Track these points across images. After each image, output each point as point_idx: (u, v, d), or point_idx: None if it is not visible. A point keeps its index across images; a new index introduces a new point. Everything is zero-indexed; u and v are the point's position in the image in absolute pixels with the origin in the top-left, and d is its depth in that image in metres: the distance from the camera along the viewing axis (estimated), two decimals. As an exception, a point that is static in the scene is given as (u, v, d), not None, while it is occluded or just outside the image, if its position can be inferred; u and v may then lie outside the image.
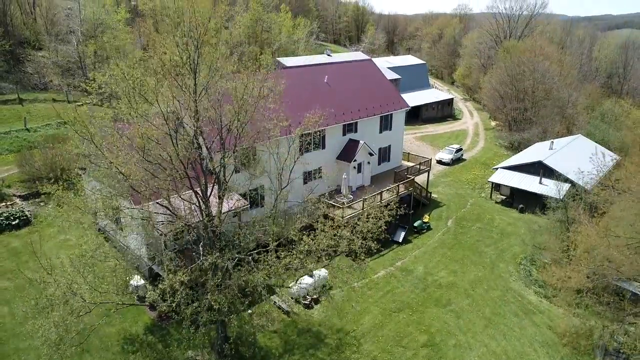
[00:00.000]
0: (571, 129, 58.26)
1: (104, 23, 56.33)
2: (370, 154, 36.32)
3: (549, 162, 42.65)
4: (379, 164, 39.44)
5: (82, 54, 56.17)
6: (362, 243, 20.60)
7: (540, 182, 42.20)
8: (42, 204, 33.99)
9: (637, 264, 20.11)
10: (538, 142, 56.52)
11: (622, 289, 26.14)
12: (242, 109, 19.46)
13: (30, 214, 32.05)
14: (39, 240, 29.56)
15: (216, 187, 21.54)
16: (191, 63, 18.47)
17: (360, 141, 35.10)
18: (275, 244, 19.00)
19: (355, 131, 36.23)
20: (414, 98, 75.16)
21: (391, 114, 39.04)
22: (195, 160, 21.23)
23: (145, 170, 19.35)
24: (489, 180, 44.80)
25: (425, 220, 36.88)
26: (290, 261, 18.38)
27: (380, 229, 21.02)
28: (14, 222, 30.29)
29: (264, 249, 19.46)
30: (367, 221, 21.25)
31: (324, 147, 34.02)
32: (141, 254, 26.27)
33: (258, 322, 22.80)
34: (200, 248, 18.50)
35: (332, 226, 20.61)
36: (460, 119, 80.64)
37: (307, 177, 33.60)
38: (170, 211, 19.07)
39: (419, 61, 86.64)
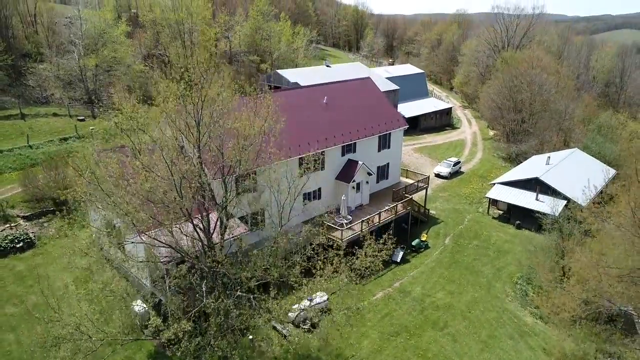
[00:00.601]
0: (568, 142, 58.84)
1: (104, 37, 56.81)
2: (369, 174, 36.86)
3: (545, 179, 43.20)
4: (377, 181, 39.96)
5: (83, 67, 56.63)
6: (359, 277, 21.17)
7: (537, 199, 42.77)
8: (45, 224, 34.50)
9: (629, 296, 20.65)
10: (535, 154, 57.07)
11: (615, 314, 26.70)
12: (243, 148, 19.99)
13: (34, 236, 32.55)
14: (44, 264, 30.12)
15: (216, 215, 22.13)
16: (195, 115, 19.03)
17: (359, 162, 35.62)
18: (275, 291, 19.52)
19: (354, 151, 36.75)
20: (413, 108, 75.80)
21: (390, 133, 39.56)
22: (197, 189, 21.82)
23: (148, 207, 19.91)
24: (487, 196, 45.35)
25: (423, 239, 37.43)
26: (289, 307, 18.96)
27: (377, 267, 21.62)
28: (18, 245, 30.80)
29: (264, 285, 20.01)
30: (364, 259, 21.84)
31: (323, 168, 34.54)
32: (144, 282, 26.79)
33: (259, 348, 23.33)
34: (204, 287, 19.03)
35: (332, 263, 21.13)
36: (458, 127, 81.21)
37: (307, 197, 34.09)
38: (174, 248, 19.58)
39: (418, 70, 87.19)
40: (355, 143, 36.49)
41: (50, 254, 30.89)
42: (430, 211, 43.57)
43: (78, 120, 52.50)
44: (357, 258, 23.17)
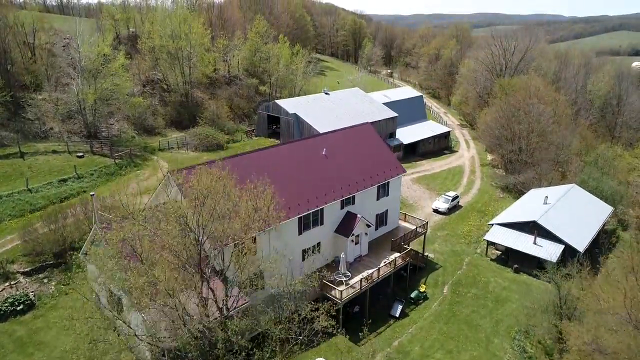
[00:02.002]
0: (565, 174, 59.11)
1: (103, 70, 56.85)
2: (368, 226, 37.03)
3: (543, 222, 43.46)
4: (376, 229, 40.13)
5: (82, 101, 56.69)
6: None
7: (535, 242, 43.05)
8: (45, 280, 34.57)
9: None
10: (533, 188, 57.37)
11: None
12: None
13: (34, 295, 32.63)
14: (44, 327, 30.20)
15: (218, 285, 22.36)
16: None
17: (358, 216, 35.81)
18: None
19: (353, 203, 36.94)
20: (411, 133, 76.09)
21: (388, 181, 39.76)
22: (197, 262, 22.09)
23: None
24: (485, 238, 45.56)
25: (422, 289, 37.64)
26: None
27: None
28: (18, 308, 30.88)
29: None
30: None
31: (322, 223, 34.71)
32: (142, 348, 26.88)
33: None
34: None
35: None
36: (456, 151, 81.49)
37: (306, 253, 34.27)
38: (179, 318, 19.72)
39: (416, 93, 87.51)
40: (354, 195, 36.68)
41: (50, 317, 30.94)
42: (429, 255, 43.80)
43: (77, 157, 52.56)
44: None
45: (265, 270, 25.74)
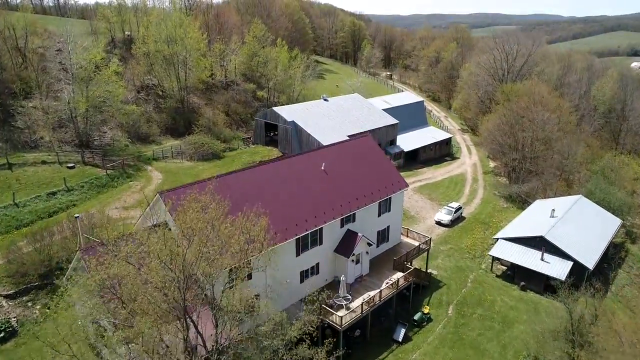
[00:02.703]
0: (571, 184, 57.53)
1: (95, 78, 55.04)
2: (369, 244, 35.35)
3: (551, 238, 41.84)
4: (377, 246, 38.45)
5: (73, 109, 54.93)
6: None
7: (542, 259, 41.43)
8: (30, 303, 32.84)
9: None
10: (538, 198, 55.77)
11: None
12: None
13: (17, 321, 30.90)
14: (26, 357, 28.47)
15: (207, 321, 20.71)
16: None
17: (359, 234, 34.13)
18: None
19: (354, 221, 35.27)
20: (412, 140, 74.47)
21: (390, 197, 38.08)
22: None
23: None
24: (490, 253, 43.92)
25: (425, 311, 35.97)
26: None
27: None
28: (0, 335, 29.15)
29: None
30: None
31: (321, 243, 33.03)
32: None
33: None
34: None
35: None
36: (458, 157, 79.86)
37: (304, 275, 32.58)
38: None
39: (416, 99, 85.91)
40: (354, 212, 35.00)
41: (34, 346, 29.19)
42: (432, 272, 42.15)
43: (68, 168, 50.79)
44: None
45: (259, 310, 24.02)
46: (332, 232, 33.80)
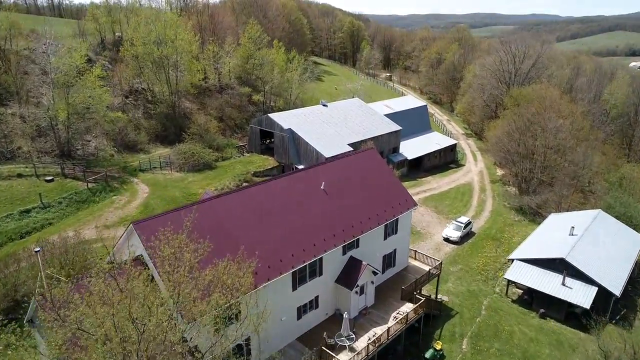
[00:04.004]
0: (587, 196, 53.88)
1: (76, 84, 51.02)
2: (375, 273, 31.56)
3: (573, 260, 38.14)
4: (383, 272, 34.70)
5: (53, 117, 51.01)
6: None
7: (564, 283, 37.73)
8: (-10, 343, 28.87)
9: None
10: (553, 212, 52.11)
11: None
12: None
13: (-27, 367, 26.94)
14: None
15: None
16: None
17: (364, 263, 30.35)
18: None
19: (357, 247, 31.49)
20: (415, 147, 70.83)
21: (397, 218, 34.32)
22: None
23: None
24: (505, 277, 40.17)
25: (438, 347, 32.19)
26: None
27: None
28: (-50, 386, 25.18)
29: None
30: None
31: (321, 274, 29.23)
32: None
33: None
34: None
35: None
36: (464, 164, 76.26)
37: (302, 310, 28.79)
38: None
39: (419, 103, 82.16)
40: (358, 238, 31.22)
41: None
42: (443, 298, 38.39)
43: (45, 181, 46.84)
44: None
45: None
46: (333, 260, 30.01)
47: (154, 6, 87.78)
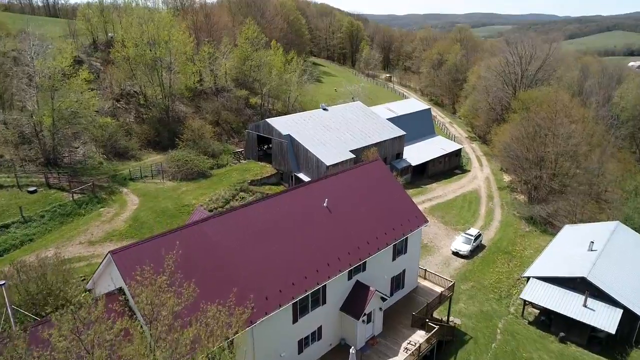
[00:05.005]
0: (602, 206, 51.14)
1: (62, 88, 47.97)
2: (384, 299, 28.71)
3: (595, 279, 35.38)
4: (391, 295, 31.86)
5: (37, 123, 48.02)
6: None
7: (585, 305, 34.92)
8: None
9: None
10: (567, 223, 49.39)
11: None
12: None
13: None
14: None
15: None
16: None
17: (371, 289, 27.50)
18: None
19: (364, 270, 28.63)
20: (419, 152, 68.04)
21: (407, 237, 31.47)
22: None
23: None
24: (522, 297, 37.34)
25: (453, 380, 29.38)
26: None
27: None
28: None
29: None
30: None
31: (324, 302, 26.36)
32: None
33: None
34: None
35: None
36: (469, 170, 73.47)
37: (303, 343, 25.90)
38: None
39: (423, 106, 79.39)
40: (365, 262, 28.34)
41: None
42: (455, 321, 35.53)
43: (28, 192, 43.81)
44: None
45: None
46: (338, 286, 27.14)
47: (150, 5, 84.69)
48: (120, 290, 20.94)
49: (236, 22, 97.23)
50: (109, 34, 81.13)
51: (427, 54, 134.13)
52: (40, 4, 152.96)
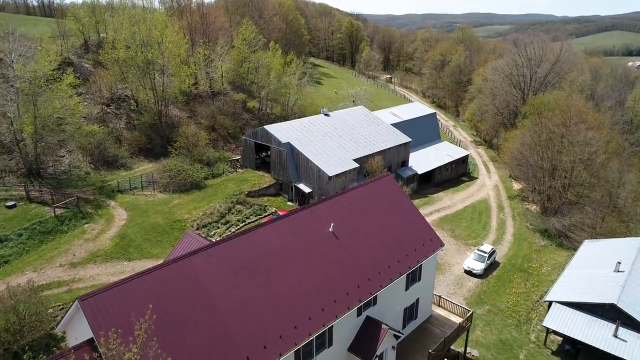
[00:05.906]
0: (624, 218, 47.99)
1: (44, 94, 44.54)
2: (397, 337, 25.41)
3: (625, 306, 32.14)
4: (403, 327, 28.59)
5: (19, 132, 44.65)
6: None
7: (616, 335, 31.67)
8: None
9: None
10: (586, 238, 46.19)
11: None
12: None
13: None
14: None
15: None
16: None
17: (384, 326, 24.23)
18: None
19: (375, 304, 25.35)
20: (425, 159, 64.79)
21: (421, 264, 28.19)
22: None
23: None
24: (544, 324, 34.06)
25: None
26: None
27: None
28: None
29: None
30: None
31: (330, 345, 23.08)
32: None
33: None
34: None
35: None
36: (476, 177, 70.25)
37: (307, 392, 22.60)
38: None
39: (429, 110, 76.04)
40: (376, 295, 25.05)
41: None
42: (473, 352, 32.29)
43: (6, 207, 40.43)
44: None
45: None
46: (347, 324, 23.85)
47: (145, 5, 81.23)
48: (91, 341, 17.68)
49: (233, 22, 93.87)
50: (101, 35, 77.68)
51: (429, 55, 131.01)
52: (35, 3, 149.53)
